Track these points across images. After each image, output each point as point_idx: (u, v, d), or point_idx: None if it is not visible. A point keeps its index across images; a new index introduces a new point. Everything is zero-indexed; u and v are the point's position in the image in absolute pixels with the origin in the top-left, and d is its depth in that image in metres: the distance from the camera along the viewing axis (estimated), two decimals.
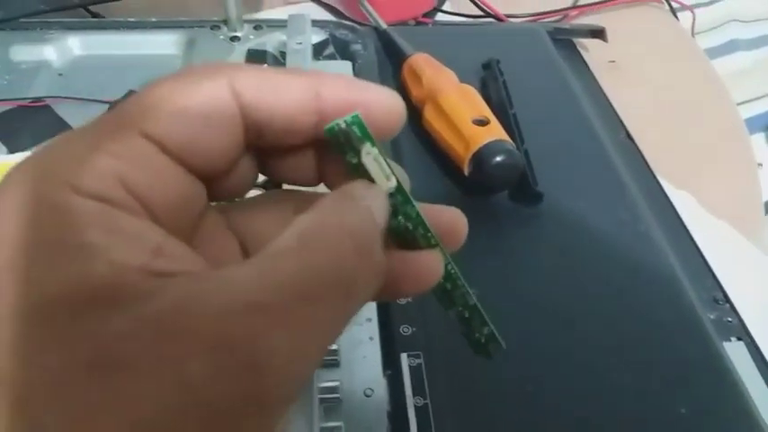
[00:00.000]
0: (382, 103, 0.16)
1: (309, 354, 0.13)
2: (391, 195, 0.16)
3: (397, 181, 0.16)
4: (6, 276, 0.12)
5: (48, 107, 0.42)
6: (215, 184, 0.16)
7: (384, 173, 0.16)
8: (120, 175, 0.13)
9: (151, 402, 0.11)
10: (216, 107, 0.15)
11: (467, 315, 0.18)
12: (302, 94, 0.15)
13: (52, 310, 0.12)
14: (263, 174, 0.17)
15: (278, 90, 0.15)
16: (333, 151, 0.16)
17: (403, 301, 0.31)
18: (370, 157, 0.16)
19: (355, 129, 0.15)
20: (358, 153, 0.16)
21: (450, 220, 0.17)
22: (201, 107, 0.14)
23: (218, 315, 0.12)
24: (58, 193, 0.13)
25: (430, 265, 0.16)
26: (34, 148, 0.40)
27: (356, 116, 0.16)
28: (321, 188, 0.18)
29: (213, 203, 0.17)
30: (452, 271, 0.17)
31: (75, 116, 0.42)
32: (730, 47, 0.61)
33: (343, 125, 0.15)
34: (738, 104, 0.52)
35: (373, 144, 0.16)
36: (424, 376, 0.28)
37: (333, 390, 0.27)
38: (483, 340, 0.18)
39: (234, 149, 0.15)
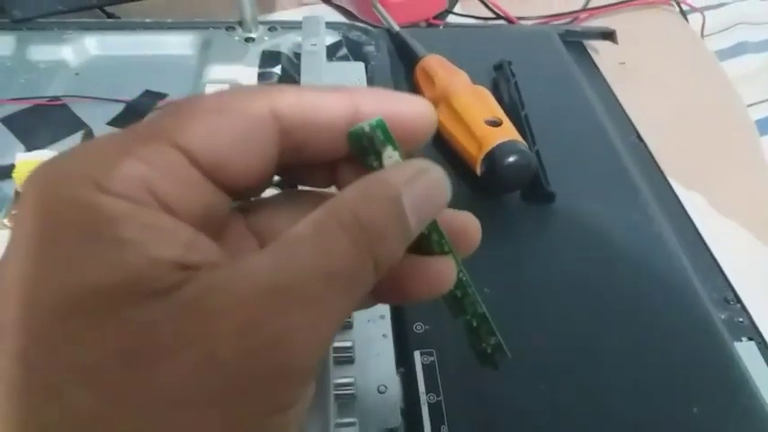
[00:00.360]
0: (416, 110, 0.16)
1: (326, 329, 0.14)
2: None
3: None
4: (36, 269, 0.12)
5: (65, 106, 0.43)
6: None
7: None
8: (146, 180, 0.13)
9: (185, 381, 0.12)
10: (254, 129, 0.15)
11: (475, 324, 0.18)
12: (343, 110, 0.16)
13: (87, 301, 0.12)
14: (277, 174, 0.18)
15: (320, 109, 0.16)
16: (355, 155, 0.16)
17: None
18: (392, 160, 0.16)
19: (379, 132, 0.16)
20: (380, 156, 0.16)
21: (462, 224, 0.17)
22: (240, 128, 0.15)
23: (242, 298, 0.13)
24: (84, 191, 0.13)
25: (443, 271, 0.17)
26: (51, 147, 0.40)
27: (380, 120, 0.16)
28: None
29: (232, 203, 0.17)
30: (464, 279, 0.17)
31: (92, 115, 0.42)
32: (739, 49, 0.61)
33: (368, 129, 0.16)
34: (748, 106, 0.52)
35: (395, 148, 0.16)
36: (438, 373, 0.29)
37: (347, 386, 0.27)
38: (489, 351, 0.18)
39: (266, 170, 0.16)
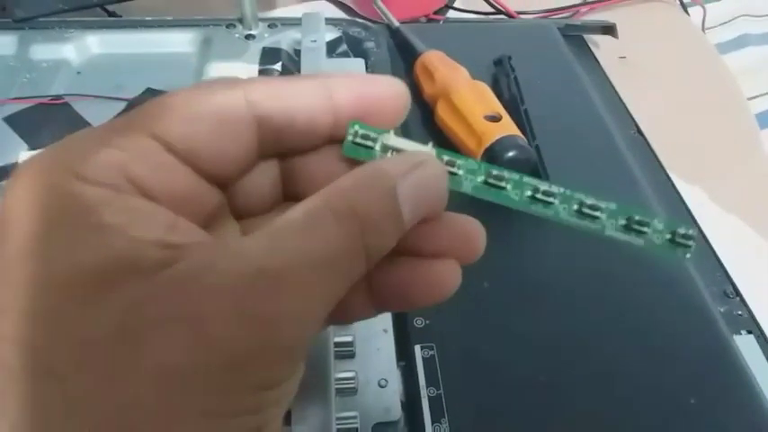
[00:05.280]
0: (390, 90, 0.17)
1: (316, 312, 0.14)
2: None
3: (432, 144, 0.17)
4: (24, 255, 0.13)
5: (67, 105, 0.43)
6: (239, 200, 0.17)
7: (417, 146, 0.17)
8: (122, 167, 0.14)
9: (176, 357, 0.12)
10: (229, 115, 0.15)
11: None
12: (316, 95, 0.16)
13: (75, 282, 0.13)
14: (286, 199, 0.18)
15: (294, 96, 0.16)
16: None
17: None
18: (393, 137, 0.17)
19: (364, 129, 0.16)
20: (384, 147, 0.17)
21: (466, 230, 0.17)
22: (215, 114, 0.15)
23: (232, 278, 0.13)
24: (66, 181, 0.13)
25: (446, 274, 0.16)
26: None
27: (353, 122, 0.16)
28: None
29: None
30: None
31: (94, 114, 0.43)
32: (741, 42, 0.61)
33: (354, 130, 0.16)
34: (749, 99, 0.52)
35: (387, 131, 0.17)
36: (438, 367, 0.29)
37: (348, 380, 0.28)
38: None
39: (245, 156, 0.16)
